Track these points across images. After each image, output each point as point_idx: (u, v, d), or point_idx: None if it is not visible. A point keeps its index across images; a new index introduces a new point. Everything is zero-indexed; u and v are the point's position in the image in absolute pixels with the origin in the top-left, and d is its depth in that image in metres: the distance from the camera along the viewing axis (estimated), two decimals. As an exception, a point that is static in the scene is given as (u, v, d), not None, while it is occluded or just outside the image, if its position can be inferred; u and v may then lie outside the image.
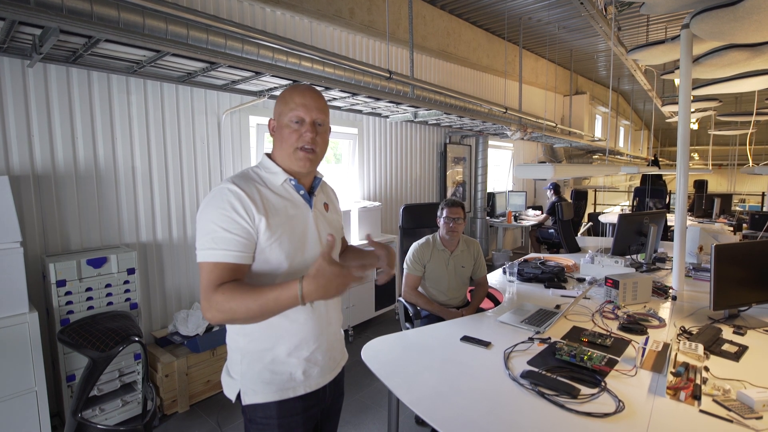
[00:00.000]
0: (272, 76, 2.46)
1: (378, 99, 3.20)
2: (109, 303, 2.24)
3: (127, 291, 2.30)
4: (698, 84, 3.27)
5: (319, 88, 2.84)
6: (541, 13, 5.10)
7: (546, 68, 7.41)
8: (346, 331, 3.52)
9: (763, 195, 8.26)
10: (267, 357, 1.06)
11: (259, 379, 1.06)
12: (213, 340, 2.60)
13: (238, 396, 1.08)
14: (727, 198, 6.20)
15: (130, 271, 2.31)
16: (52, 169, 2.28)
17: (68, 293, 2.11)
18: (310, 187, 1.15)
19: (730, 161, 11.13)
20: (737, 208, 7.90)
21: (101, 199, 2.46)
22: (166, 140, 2.71)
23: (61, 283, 2.08)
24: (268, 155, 1.13)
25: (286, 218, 1.05)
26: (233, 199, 0.99)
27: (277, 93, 2.95)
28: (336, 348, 1.19)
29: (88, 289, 2.17)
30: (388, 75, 2.93)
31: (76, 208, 2.37)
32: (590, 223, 6.98)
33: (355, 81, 2.85)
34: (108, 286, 2.23)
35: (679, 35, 2.33)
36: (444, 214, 2.36)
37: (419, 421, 2.31)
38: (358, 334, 3.63)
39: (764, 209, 7.07)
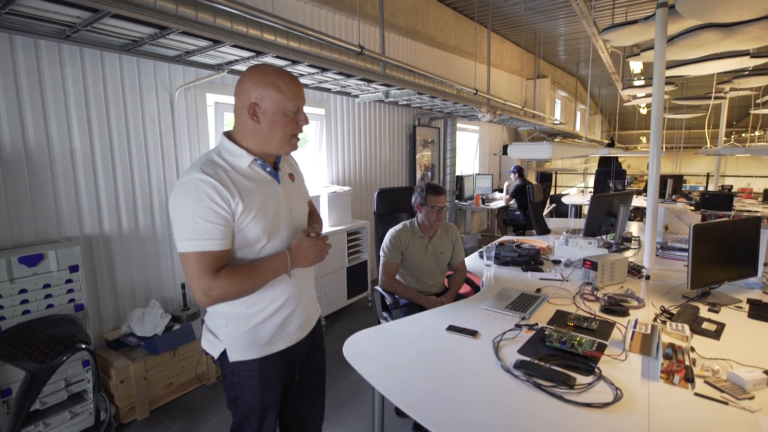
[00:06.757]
0: (232, 46, 2.22)
1: (349, 76, 3.00)
2: (49, 305, 1.97)
3: (70, 291, 2.03)
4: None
5: (285, 63, 2.62)
6: (510, -8, 5.04)
7: (511, 51, 7.42)
8: (318, 321, 3.38)
9: (707, 175, 8.85)
10: (252, 321, 1.15)
11: (244, 340, 1.15)
12: (174, 339, 2.38)
13: (222, 353, 1.16)
14: (678, 179, 6.56)
15: (73, 269, 2.03)
16: (-32, 152, 1.94)
17: (-3, 296, 1.82)
18: (274, 162, 1.19)
19: (676, 144, 11.82)
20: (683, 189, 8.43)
21: (34, 187, 2.14)
22: (110, 119, 2.40)
23: (-13, 285, 1.79)
24: (227, 136, 1.13)
25: (259, 198, 1.10)
26: (208, 189, 1.01)
27: (239, 67, 2.69)
28: (311, 306, 1.31)
29: (22, 291, 1.89)
30: (359, 50, 2.74)
31: (3, 198, 2.05)
32: (554, 205, 7.18)
33: (323, 56, 2.63)
34: (46, 286, 1.96)
35: (653, 15, 2.31)
36: (430, 203, 2.24)
37: (399, 413, 2.25)
38: (331, 324, 3.51)
39: (709, 188, 7.57)
